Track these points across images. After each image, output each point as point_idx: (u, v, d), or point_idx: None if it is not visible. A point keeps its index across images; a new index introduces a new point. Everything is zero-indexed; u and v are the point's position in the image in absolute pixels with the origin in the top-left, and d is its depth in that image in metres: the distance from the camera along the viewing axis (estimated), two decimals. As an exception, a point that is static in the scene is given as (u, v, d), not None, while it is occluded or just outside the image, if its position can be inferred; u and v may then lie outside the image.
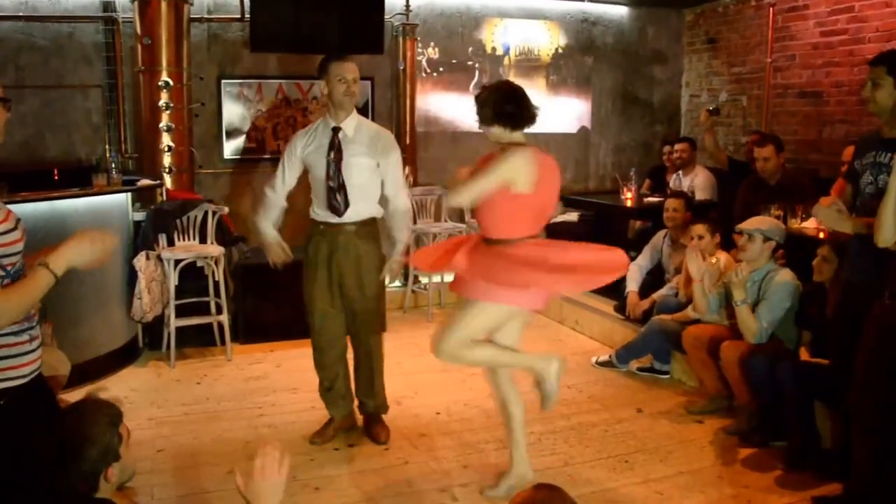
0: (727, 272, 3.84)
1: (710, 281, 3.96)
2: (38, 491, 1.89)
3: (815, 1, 5.92)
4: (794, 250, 4.04)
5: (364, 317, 3.59)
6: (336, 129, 3.44)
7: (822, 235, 3.97)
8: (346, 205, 3.44)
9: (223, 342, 4.99)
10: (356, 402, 3.78)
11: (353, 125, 3.47)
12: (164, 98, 5.32)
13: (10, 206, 2.10)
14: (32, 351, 2.08)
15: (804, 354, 3.69)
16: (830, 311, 3.48)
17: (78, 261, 1.97)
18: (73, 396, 2.86)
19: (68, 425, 1.94)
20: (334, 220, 3.46)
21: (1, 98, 2.08)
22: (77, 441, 1.88)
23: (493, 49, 6.87)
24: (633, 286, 4.97)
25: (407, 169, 5.19)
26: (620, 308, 5.12)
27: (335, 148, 3.42)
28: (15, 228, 2.02)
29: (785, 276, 3.76)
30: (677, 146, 6.05)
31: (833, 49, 5.78)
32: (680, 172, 6.01)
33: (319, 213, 3.50)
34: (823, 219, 3.03)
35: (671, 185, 6.08)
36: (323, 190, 3.44)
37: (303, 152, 3.49)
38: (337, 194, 3.42)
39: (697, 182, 5.83)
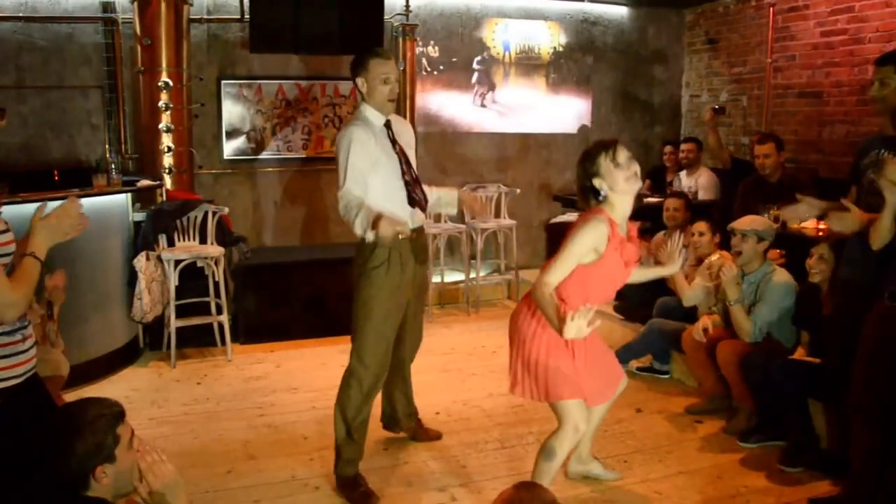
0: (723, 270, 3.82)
1: (705, 279, 3.96)
2: (27, 484, 1.87)
3: (815, 1, 5.91)
4: (794, 250, 4.04)
5: (418, 321, 3.48)
6: (387, 123, 3.14)
7: (821, 235, 3.97)
8: (426, 198, 3.19)
9: (223, 342, 5.00)
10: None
11: (394, 120, 3.21)
12: (163, 99, 5.33)
13: (11, 207, 2.13)
14: (26, 350, 2.09)
15: (801, 355, 3.68)
16: (827, 312, 3.48)
17: (53, 241, 2.12)
18: (72, 397, 2.87)
19: (60, 419, 1.90)
20: (412, 224, 3.09)
21: None
22: (66, 434, 1.80)
23: (494, 49, 6.87)
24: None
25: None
26: (620, 308, 5.12)
27: (394, 142, 3.12)
28: (8, 230, 2.05)
29: (782, 276, 3.76)
30: (684, 146, 6.06)
31: (833, 49, 5.78)
32: (681, 173, 6.02)
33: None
34: (840, 226, 2.98)
35: (673, 185, 6.09)
36: (399, 189, 3.09)
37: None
38: (416, 188, 3.13)
39: (701, 182, 5.84)
